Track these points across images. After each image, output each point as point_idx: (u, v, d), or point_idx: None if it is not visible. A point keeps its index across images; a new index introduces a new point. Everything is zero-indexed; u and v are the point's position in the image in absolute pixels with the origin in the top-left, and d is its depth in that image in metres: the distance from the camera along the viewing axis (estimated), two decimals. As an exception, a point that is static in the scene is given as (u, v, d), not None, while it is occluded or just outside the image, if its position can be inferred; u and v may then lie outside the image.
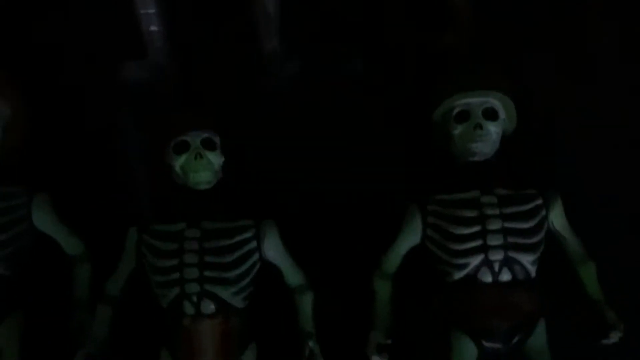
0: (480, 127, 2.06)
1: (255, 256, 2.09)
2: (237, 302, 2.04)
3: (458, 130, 2.09)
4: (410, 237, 2.12)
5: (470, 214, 2.03)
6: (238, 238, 2.06)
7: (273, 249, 2.11)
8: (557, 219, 2.09)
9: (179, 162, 2.07)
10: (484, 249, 2.00)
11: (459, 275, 2.03)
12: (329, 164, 2.29)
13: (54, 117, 2.29)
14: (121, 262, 2.13)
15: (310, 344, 2.03)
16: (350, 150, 2.30)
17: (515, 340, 2.02)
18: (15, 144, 2.18)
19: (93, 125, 2.34)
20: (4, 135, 2.14)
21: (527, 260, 2.02)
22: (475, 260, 2.01)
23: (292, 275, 2.15)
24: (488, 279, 2.01)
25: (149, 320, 2.11)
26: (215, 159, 2.10)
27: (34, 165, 2.23)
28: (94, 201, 2.29)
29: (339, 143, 2.30)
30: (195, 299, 2.00)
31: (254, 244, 2.09)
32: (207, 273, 2.01)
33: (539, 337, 2.04)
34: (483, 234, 2.01)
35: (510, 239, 2.00)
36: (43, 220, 2.14)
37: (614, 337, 1.98)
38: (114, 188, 2.32)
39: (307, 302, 2.13)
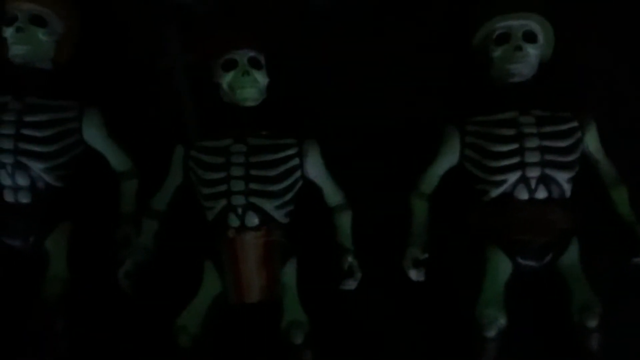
0: (520, 48, 2.11)
1: (298, 173, 2.16)
2: (280, 216, 2.12)
3: (498, 52, 2.15)
4: (449, 158, 2.19)
5: (509, 132, 2.09)
6: (282, 154, 2.14)
7: (314, 167, 2.19)
8: (591, 141, 2.16)
9: (226, 79, 2.15)
10: (522, 166, 2.06)
11: (496, 192, 2.09)
12: (370, 84, 2.34)
13: (103, 36, 2.35)
14: (168, 178, 2.21)
15: (350, 259, 2.12)
16: (391, 70, 2.34)
17: (548, 257, 2.09)
18: (66, 58, 2.26)
19: (140, 44, 2.39)
20: (57, 49, 2.22)
21: (563, 178, 2.08)
22: (513, 177, 2.07)
23: (332, 194, 2.22)
24: (524, 196, 2.07)
25: (193, 234, 2.19)
26: (261, 77, 2.17)
27: (84, 82, 2.28)
28: (139, 118, 2.35)
29: (380, 62, 2.34)
30: (240, 211, 2.08)
31: (296, 161, 2.16)
32: (252, 186, 2.08)
33: (571, 255, 2.10)
34: (521, 151, 2.07)
35: (547, 157, 2.06)
36: (93, 134, 2.22)
37: (645, 256, 2.07)
38: (159, 106, 2.38)
39: (345, 220, 2.21)
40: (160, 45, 2.36)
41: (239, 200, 2.08)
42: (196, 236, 2.17)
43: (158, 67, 2.36)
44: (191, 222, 2.19)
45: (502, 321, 1.97)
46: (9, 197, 2.14)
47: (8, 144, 2.10)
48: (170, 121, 2.35)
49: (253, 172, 2.09)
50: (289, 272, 2.13)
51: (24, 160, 2.11)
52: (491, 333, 1.97)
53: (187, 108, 2.33)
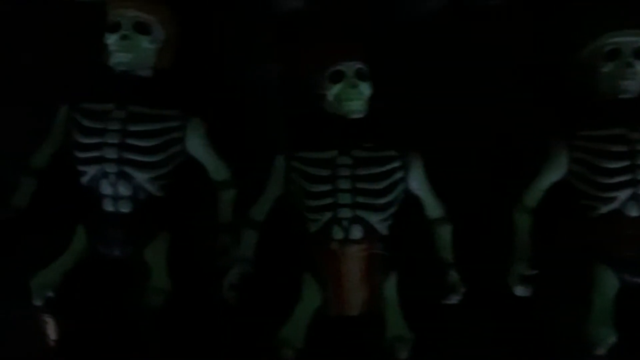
0: (631, 65, 2.10)
1: (402, 186, 2.15)
2: (383, 229, 2.11)
3: (608, 67, 2.13)
4: (555, 172, 2.17)
5: (620, 148, 2.08)
6: (388, 167, 2.12)
7: (417, 180, 2.17)
8: None
9: (333, 91, 2.13)
10: (633, 183, 2.05)
11: (605, 209, 2.08)
12: (472, 97, 2.32)
13: (201, 44, 2.34)
14: (268, 188, 2.19)
15: (452, 273, 2.11)
16: (493, 84, 2.33)
17: (655, 274, 2.09)
18: (166, 66, 2.23)
19: (239, 52, 2.38)
20: (158, 57, 2.20)
21: (673, 196, 2.08)
22: (624, 195, 2.06)
23: (433, 208, 2.20)
24: (634, 213, 2.06)
25: (291, 245, 2.18)
26: (366, 89, 2.15)
27: (182, 90, 2.26)
28: (235, 129, 2.33)
29: (482, 77, 2.33)
30: (346, 224, 2.06)
31: (401, 174, 2.14)
32: (359, 199, 2.07)
33: (678, 272, 2.10)
34: (632, 168, 2.06)
35: None
36: (196, 144, 2.19)
37: None
38: (255, 115, 2.37)
39: (446, 233, 2.20)
40: (258, 54, 2.35)
41: (345, 213, 2.06)
42: (294, 248, 2.16)
43: (255, 76, 2.35)
44: (289, 234, 2.19)
45: (613, 339, 1.97)
46: (108, 206, 2.12)
47: (112, 154, 2.08)
48: (266, 130, 2.33)
49: (359, 185, 2.08)
50: (390, 286, 2.11)
51: (128, 170, 2.09)
52: (602, 351, 1.98)
53: (284, 118, 2.32)
